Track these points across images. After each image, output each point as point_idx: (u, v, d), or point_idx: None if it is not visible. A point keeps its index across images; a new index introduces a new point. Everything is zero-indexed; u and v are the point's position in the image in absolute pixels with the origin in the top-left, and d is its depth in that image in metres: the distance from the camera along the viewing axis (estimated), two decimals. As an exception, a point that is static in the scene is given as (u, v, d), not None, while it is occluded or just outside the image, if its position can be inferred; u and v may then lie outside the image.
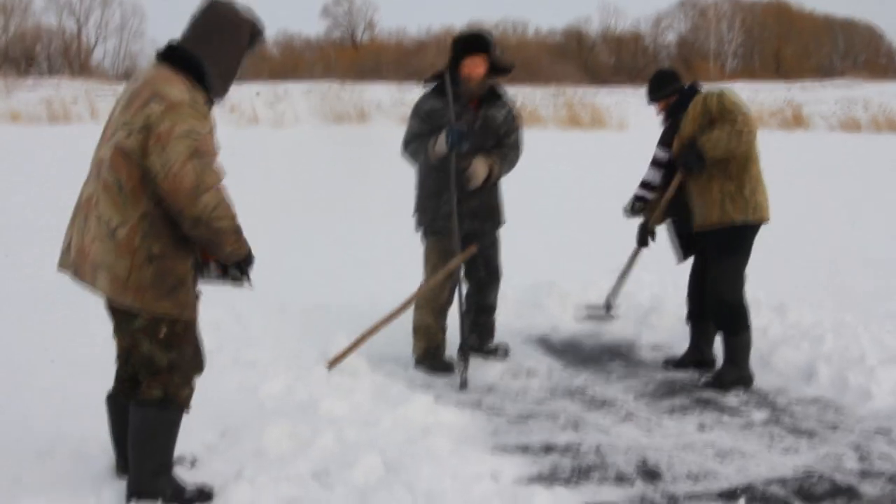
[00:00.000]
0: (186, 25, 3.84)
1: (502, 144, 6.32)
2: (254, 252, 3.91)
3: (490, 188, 6.34)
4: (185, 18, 3.85)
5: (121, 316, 3.81)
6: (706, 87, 6.14)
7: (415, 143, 6.19)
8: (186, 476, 4.07)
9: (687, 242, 6.26)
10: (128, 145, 3.62)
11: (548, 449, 4.78)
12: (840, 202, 15.36)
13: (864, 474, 4.47)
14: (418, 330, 6.34)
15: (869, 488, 4.31)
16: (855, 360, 5.86)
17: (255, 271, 4.03)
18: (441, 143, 6.01)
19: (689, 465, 4.56)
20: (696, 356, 6.31)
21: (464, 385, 5.87)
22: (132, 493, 3.83)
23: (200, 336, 3.97)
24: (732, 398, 5.66)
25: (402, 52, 56.98)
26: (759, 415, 5.35)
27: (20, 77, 38.36)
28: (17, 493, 3.86)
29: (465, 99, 6.15)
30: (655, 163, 6.28)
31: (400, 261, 6.62)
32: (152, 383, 3.81)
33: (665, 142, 6.21)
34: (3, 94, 29.69)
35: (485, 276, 6.45)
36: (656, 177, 6.28)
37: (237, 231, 3.73)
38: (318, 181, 16.34)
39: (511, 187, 6.80)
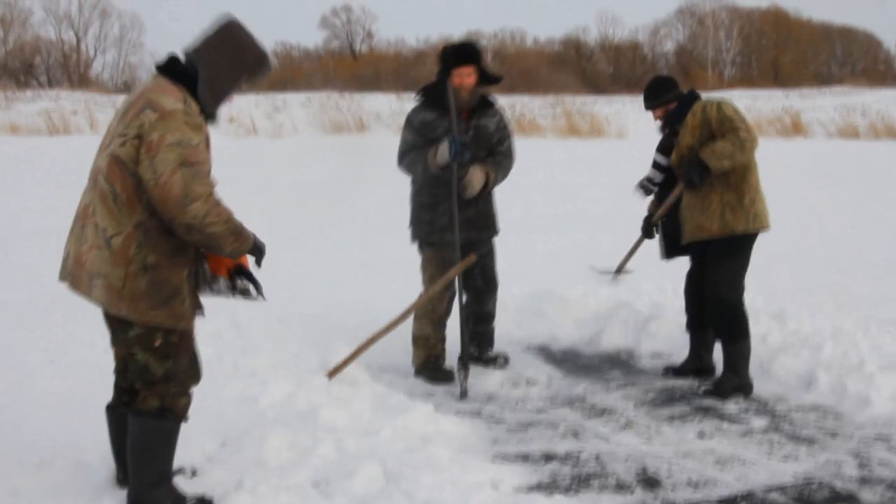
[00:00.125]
0: (198, 36, 3.87)
1: (495, 153, 6.34)
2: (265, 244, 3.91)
3: (485, 197, 6.36)
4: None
5: (117, 325, 3.82)
6: (704, 95, 6.15)
7: (411, 155, 6.20)
8: (187, 486, 4.08)
9: (672, 244, 6.28)
10: (122, 154, 3.64)
11: (548, 457, 4.78)
12: (839, 209, 15.39)
13: (864, 481, 4.47)
14: (417, 340, 6.35)
15: (869, 495, 4.30)
16: (854, 367, 5.86)
17: (253, 267, 4.03)
18: (443, 154, 6.01)
19: (689, 472, 4.56)
20: (696, 364, 6.32)
21: (464, 394, 5.88)
22: (132, 503, 3.83)
23: (196, 346, 3.97)
24: (732, 406, 5.66)
25: (401, 62, 57.02)
26: (759, 422, 5.35)
27: (19, 89, 38.40)
28: (18, 504, 3.86)
29: (456, 109, 6.16)
30: (657, 166, 6.30)
31: (399, 270, 6.63)
32: (149, 394, 3.82)
33: (664, 149, 6.23)
34: (3, 106, 29.70)
35: (482, 284, 6.47)
36: (658, 175, 6.32)
37: (234, 231, 3.73)
38: (317, 191, 16.37)
39: (511, 196, 6.82)
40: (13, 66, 54.60)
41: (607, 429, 5.25)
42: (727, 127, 5.72)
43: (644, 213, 6.57)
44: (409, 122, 6.28)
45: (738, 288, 5.89)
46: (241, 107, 28.36)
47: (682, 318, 6.48)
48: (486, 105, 6.33)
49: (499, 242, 6.64)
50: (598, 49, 67.23)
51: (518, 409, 5.67)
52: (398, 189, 6.41)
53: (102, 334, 4.13)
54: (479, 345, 6.53)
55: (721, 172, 5.72)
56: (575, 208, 15.41)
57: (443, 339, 6.36)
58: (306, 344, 6.52)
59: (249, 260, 4.01)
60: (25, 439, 4.58)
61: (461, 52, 6.18)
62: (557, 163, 22.52)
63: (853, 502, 4.24)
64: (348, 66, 56.84)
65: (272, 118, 29.61)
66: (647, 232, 6.45)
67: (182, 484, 4.07)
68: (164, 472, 3.89)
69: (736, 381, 5.86)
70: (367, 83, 39.27)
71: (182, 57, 3.83)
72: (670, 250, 6.39)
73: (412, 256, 6.62)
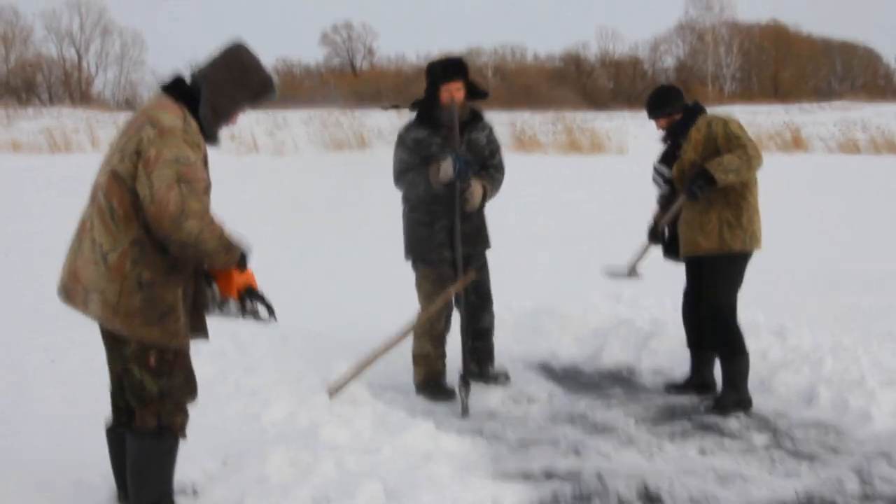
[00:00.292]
0: (206, 58, 3.91)
1: (488, 166, 6.36)
2: (252, 255, 3.93)
3: (478, 212, 6.38)
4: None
5: (113, 342, 3.84)
6: (709, 110, 6.14)
7: (410, 175, 6.19)
8: (188, 505, 4.08)
9: (672, 244, 6.28)
10: (121, 170, 3.67)
11: (549, 475, 4.78)
12: (839, 223, 15.40)
13: (866, 497, 4.46)
14: (418, 358, 6.35)
15: (870, 511, 4.31)
16: (855, 383, 5.86)
17: (262, 288, 4.05)
18: (446, 171, 6.01)
19: (690, 489, 4.56)
20: (697, 380, 6.31)
21: (465, 412, 5.88)
22: (133, 523, 3.84)
23: (191, 363, 3.97)
24: (733, 422, 5.66)
25: (402, 78, 57.15)
26: (760, 438, 5.34)
27: (21, 106, 38.49)
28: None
29: (446, 125, 6.18)
30: (659, 175, 6.26)
31: (401, 288, 6.64)
32: (145, 412, 3.82)
33: (666, 161, 6.19)
34: (4, 124, 29.77)
35: (476, 299, 6.44)
36: (660, 184, 6.28)
37: (226, 246, 3.75)
38: (318, 208, 16.39)
39: (511, 212, 6.84)
40: (15, 83, 54.77)
41: (609, 446, 5.25)
42: (734, 144, 5.72)
43: (644, 222, 6.54)
44: (402, 140, 6.28)
45: (732, 306, 5.91)
46: (242, 124, 28.35)
47: (683, 335, 6.48)
48: (475, 119, 6.35)
49: (498, 258, 6.65)
50: (599, 65, 67.39)
51: (519, 426, 5.66)
52: (400, 206, 6.43)
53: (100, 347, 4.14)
54: (478, 361, 6.51)
55: (724, 186, 5.73)
56: (575, 224, 15.42)
57: (443, 357, 6.36)
58: (308, 362, 6.52)
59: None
60: (25, 458, 4.58)
61: (449, 68, 6.20)
62: (558, 178, 22.56)
63: (855, 519, 4.24)
64: (349, 83, 56.99)
65: (273, 135, 29.67)
66: (653, 238, 6.41)
67: (183, 502, 4.07)
68: (165, 491, 3.89)
69: (735, 397, 5.86)
70: (369, 99, 39.34)
71: (188, 77, 3.87)
72: (668, 250, 6.37)
73: (413, 274, 6.62)
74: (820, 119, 36.37)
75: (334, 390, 5.74)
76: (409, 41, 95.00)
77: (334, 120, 31.45)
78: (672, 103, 6.13)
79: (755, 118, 33.38)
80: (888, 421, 5.45)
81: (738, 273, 5.92)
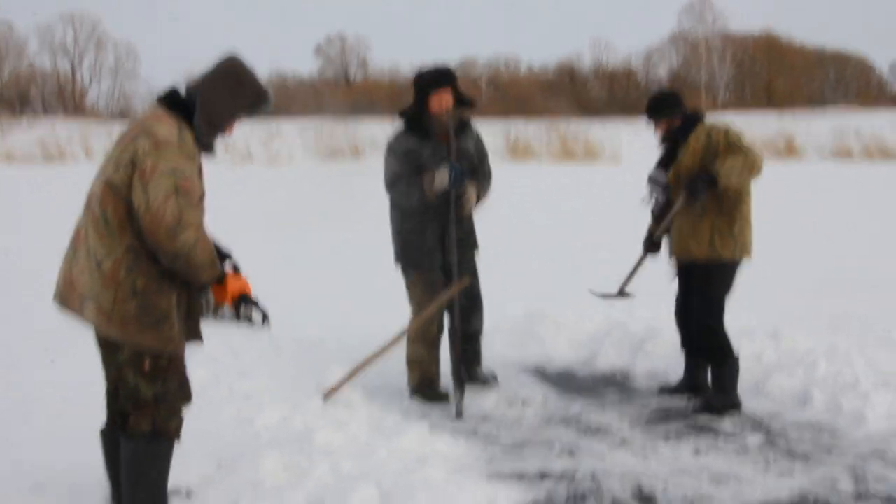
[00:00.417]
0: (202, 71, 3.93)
1: (477, 172, 6.38)
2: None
3: (468, 217, 6.40)
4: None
5: (108, 348, 3.85)
6: (708, 118, 6.14)
7: (402, 184, 6.19)
8: (182, 508, 4.07)
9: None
10: (115, 179, 3.69)
11: (543, 476, 4.78)
12: (832, 229, 15.44)
13: (860, 496, 4.47)
14: (412, 362, 6.35)
15: (864, 510, 4.31)
16: (849, 385, 5.87)
17: (257, 294, 4.06)
18: (441, 181, 6.03)
19: (684, 489, 4.56)
20: (691, 383, 6.31)
21: (459, 414, 5.88)
22: (127, 526, 3.83)
23: (185, 368, 3.97)
24: (727, 423, 5.66)
25: (396, 88, 57.18)
26: (754, 439, 5.35)
27: (15, 118, 38.47)
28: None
29: (437, 133, 6.20)
30: (654, 181, 6.23)
31: (394, 293, 6.64)
32: (140, 417, 3.82)
33: (663, 166, 6.17)
34: (-1, 135, 29.78)
35: (466, 303, 6.42)
36: (657, 192, 6.20)
37: (211, 262, 3.77)
38: (312, 215, 16.40)
39: (505, 219, 6.85)
40: (9, 95, 54.72)
41: (603, 447, 5.26)
42: (735, 151, 5.73)
43: (637, 229, 6.55)
44: (393, 150, 6.28)
45: (720, 314, 5.93)
46: (236, 134, 28.15)
47: (677, 338, 6.49)
48: (463, 126, 6.37)
49: (493, 264, 6.66)
50: (592, 75, 67.46)
51: (513, 428, 5.67)
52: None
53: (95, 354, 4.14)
54: (467, 363, 6.51)
55: (724, 189, 5.74)
56: (570, 230, 15.45)
57: (437, 360, 6.36)
58: (302, 366, 6.52)
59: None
60: (19, 462, 4.58)
61: (438, 76, 6.22)
62: (552, 186, 22.59)
63: (849, 518, 4.24)
64: (343, 94, 57.01)
65: (268, 145, 29.70)
66: (649, 248, 6.40)
67: (177, 506, 4.07)
68: (159, 494, 3.89)
69: (725, 401, 5.88)
70: (363, 110, 39.36)
71: (183, 89, 3.89)
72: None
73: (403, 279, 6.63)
74: (813, 127, 36.50)
75: (328, 394, 5.74)
76: (403, 52, 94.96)
77: (328, 130, 31.49)
78: (673, 108, 6.12)
79: (749, 126, 33.44)
80: (882, 422, 5.46)
81: (727, 281, 5.95)
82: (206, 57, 4.03)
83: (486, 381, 6.50)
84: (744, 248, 5.91)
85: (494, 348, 6.99)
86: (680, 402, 6.16)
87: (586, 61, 68.15)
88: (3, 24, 57.18)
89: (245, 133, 29.39)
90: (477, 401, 6.16)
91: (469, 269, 6.41)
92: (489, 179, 6.48)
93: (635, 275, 6.53)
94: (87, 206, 3.81)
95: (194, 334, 4.01)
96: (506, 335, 7.52)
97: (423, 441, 5.06)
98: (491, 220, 6.58)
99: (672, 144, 6.10)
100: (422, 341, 6.29)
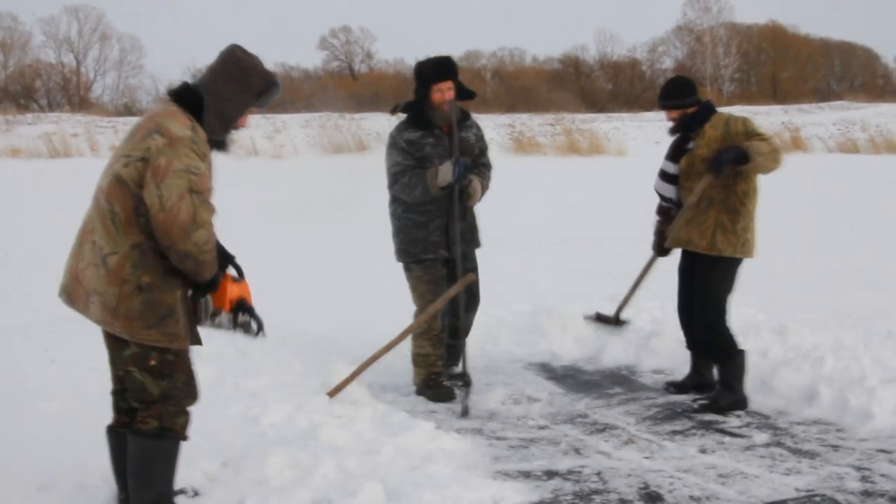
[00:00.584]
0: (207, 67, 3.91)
1: (478, 164, 6.37)
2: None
3: (470, 211, 6.41)
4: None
5: (114, 344, 3.85)
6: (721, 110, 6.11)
7: (406, 178, 6.17)
8: (188, 507, 4.08)
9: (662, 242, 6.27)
10: (125, 174, 3.67)
11: (550, 474, 4.78)
12: (838, 223, 15.39)
13: (867, 494, 4.46)
14: (417, 359, 6.35)
15: (871, 508, 4.30)
16: (856, 381, 5.85)
17: (255, 301, 4.05)
18: (445, 175, 6.03)
19: (691, 487, 4.56)
20: (697, 380, 6.31)
21: (465, 412, 5.87)
22: (133, 524, 3.84)
23: (193, 365, 3.97)
24: (733, 420, 5.66)
25: (401, 81, 57.11)
26: (761, 437, 5.34)
27: (20, 112, 38.50)
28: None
29: (439, 125, 6.19)
30: (666, 176, 6.20)
31: (400, 290, 6.63)
32: (147, 414, 3.83)
33: (673, 157, 6.13)
34: (3, 130, 29.77)
35: (466, 298, 6.39)
36: (669, 190, 6.16)
37: (213, 262, 3.79)
38: (317, 211, 16.38)
39: (510, 214, 6.83)
40: (14, 89, 54.78)
41: (609, 445, 5.25)
42: (758, 138, 5.72)
43: (640, 223, 6.52)
44: (395, 142, 6.27)
45: (721, 311, 5.92)
46: (241, 128, 28.37)
47: (682, 335, 6.47)
48: (464, 118, 6.36)
49: (499, 260, 6.65)
50: (597, 67, 67.35)
51: (519, 426, 5.66)
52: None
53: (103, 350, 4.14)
54: (448, 358, 6.51)
55: (754, 169, 5.69)
56: (575, 225, 15.41)
57: (443, 357, 6.35)
58: (307, 364, 6.52)
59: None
60: (26, 461, 4.58)
61: (440, 68, 6.21)
62: (557, 180, 22.55)
63: (856, 516, 4.23)
64: (348, 87, 56.97)
65: (273, 139, 29.69)
66: (660, 251, 6.38)
67: (183, 505, 4.07)
68: (166, 492, 3.89)
69: (731, 398, 5.87)
70: (367, 104, 39.35)
71: (192, 86, 3.87)
72: (659, 248, 6.35)
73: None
74: (819, 119, 36.42)
75: (334, 392, 5.73)
76: (408, 45, 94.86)
77: (333, 123, 31.46)
78: (688, 95, 6.06)
79: (755, 119, 33.36)
80: (889, 419, 5.44)
81: (728, 279, 5.93)
82: (210, 50, 4.00)
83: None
84: (745, 247, 5.88)
85: (500, 344, 6.97)
86: (686, 399, 6.15)
87: (591, 53, 67.98)
88: (7, 17, 57.26)
89: (250, 127, 29.37)
90: (483, 398, 6.16)
91: (471, 266, 6.40)
92: (489, 170, 6.51)
93: (629, 302, 6.52)
94: (95, 201, 3.80)
95: (192, 335, 3.99)
96: (512, 331, 7.51)
97: (429, 439, 5.06)
98: (496, 214, 6.56)
99: (683, 133, 6.06)
100: (427, 338, 6.29)
